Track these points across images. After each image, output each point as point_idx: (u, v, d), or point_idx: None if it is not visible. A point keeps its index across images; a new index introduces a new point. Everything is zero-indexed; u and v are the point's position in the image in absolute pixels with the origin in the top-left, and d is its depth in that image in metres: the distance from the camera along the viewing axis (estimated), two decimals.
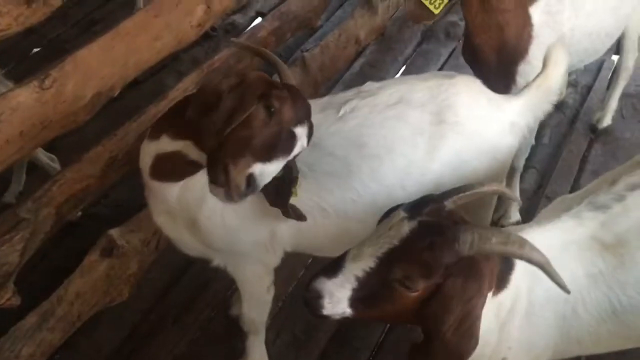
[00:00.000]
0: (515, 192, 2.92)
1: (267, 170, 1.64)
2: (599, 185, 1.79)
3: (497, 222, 2.97)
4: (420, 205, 1.39)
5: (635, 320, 1.64)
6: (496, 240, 1.29)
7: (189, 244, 2.07)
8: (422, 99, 2.04)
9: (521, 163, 2.81)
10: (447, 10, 4.06)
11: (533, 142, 2.76)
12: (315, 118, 1.91)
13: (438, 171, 2.04)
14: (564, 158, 3.24)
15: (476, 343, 1.36)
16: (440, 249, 1.31)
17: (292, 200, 1.83)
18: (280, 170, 1.77)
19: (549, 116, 3.47)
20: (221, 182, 1.60)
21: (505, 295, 1.49)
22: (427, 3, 2.17)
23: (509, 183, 2.87)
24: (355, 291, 1.36)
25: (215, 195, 1.64)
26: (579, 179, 3.14)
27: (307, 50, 3.67)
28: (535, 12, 2.37)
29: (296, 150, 1.71)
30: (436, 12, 2.19)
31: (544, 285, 1.54)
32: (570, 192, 3.06)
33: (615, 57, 3.48)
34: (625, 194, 1.69)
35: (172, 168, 1.83)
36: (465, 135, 2.04)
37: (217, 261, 2.13)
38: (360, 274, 1.36)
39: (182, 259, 2.26)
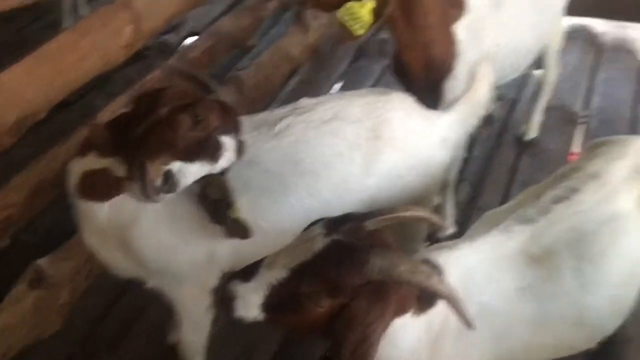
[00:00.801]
0: (449, 205, 3.00)
1: (187, 170, 1.63)
2: (526, 199, 1.85)
3: (433, 235, 3.03)
4: (339, 222, 1.40)
5: (564, 331, 1.69)
6: (404, 268, 1.30)
7: (122, 266, 2.01)
8: (358, 115, 2.08)
9: (454, 176, 2.89)
10: (378, 27, 4.15)
11: (464, 155, 2.85)
12: (250, 135, 1.92)
13: (374, 186, 2.07)
14: (495, 170, 3.35)
15: None
16: (349, 270, 1.32)
17: None
18: (216, 191, 1.77)
19: (479, 129, 3.62)
20: (136, 177, 1.58)
21: (436, 312, 1.51)
22: (351, 24, 2.21)
23: (443, 196, 2.95)
24: (268, 298, 1.37)
25: (131, 192, 1.62)
26: (510, 190, 3.24)
27: (241, 69, 3.68)
28: (459, 30, 2.46)
29: (223, 161, 1.71)
30: (359, 33, 2.23)
31: (476, 300, 1.58)
32: (502, 203, 3.15)
33: (537, 72, 3.64)
34: (550, 207, 1.75)
35: (101, 186, 1.79)
36: (401, 150, 2.08)
37: (152, 283, 2.08)
38: (273, 282, 1.37)
39: (117, 284, 2.20)
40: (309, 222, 1.99)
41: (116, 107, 2.59)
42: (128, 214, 1.87)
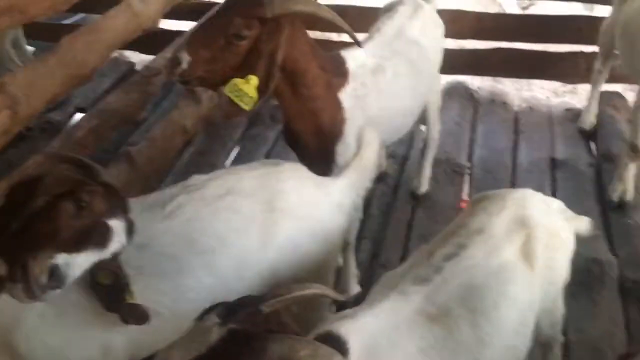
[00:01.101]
0: (352, 265, 3.03)
1: (75, 262, 1.55)
2: (419, 259, 1.90)
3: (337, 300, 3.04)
4: (234, 309, 1.36)
5: None
6: (304, 353, 1.28)
7: None
8: (252, 188, 2.07)
9: (353, 237, 2.93)
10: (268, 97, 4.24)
11: (361, 215, 2.91)
12: (141, 217, 1.85)
13: (273, 258, 2.05)
14: (392, 226, 3.44)
15: None
16: None
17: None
18: (109, 277, 1.68)
19: (375, 187, 3.74)
20: (18, 276, 1.48)
21: None
22: (237, 100, 2.24)
23: (345, 257, 2.98)
24: None
25: (14, 295, 1.51)
26: (408, 245, 3.33)
27: (133, 145, 3.59)
28: (344, 97, 2.56)
29: (114, 245, 1.65)
30: (247, 108, 2.26)
31: None
32: (402, 258, 3.24)
33: (424, 127, 3.83)
34: (442, 265, 1.81)
35: None
36: (297, 220, 2.09)
37: None
38: None
39: None
40: (210, 302, 1.94)
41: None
42: (9, 315, 1.73)
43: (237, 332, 1.31)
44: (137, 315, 1.77)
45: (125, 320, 1.76)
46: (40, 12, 2.74)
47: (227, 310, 1.36)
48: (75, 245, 1.56)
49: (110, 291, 1.73)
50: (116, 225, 1.65)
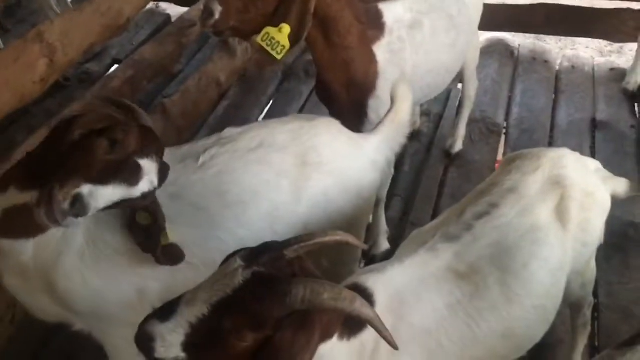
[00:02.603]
0: (382, 222, 3.03)
1: (99, 193, 1.58)
2: (450, 217, 1.88)
3: (368, 252, 3.06)
4: (258, 253, 1.38)
5: (495, 344, 1.72)
6: (327, 296, 1.30)
7: (46, 309, 1.92)
8: (284, 142, 2.06)
9: (384, 194, 2.92)
10: (304, 49, 4.19)
11: (393, 172, 2.89)
12: (175, 169, 1.87)
13: (306, 212, 2.05)
14: (424, 184, 3.41)
15: None
16: (271, 302, 1.30)
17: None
18: (147, 218, 1.73)
19: (408, 145, 3.69)
20: (44, 201, 1.52)
21: (367, 336, 1.51)
22: (269, 49, 2.22)
23: (375, 214, 2.98)
24: (189, 337, 1.34)
25: (37, 217, 1.55)
26: (439, 203, 3.31)
27: (167, 97, 3.62)
28: (379, 51, 2.51)
29: (144, 185, 1.67)
30: (279, 57, 2.24)
31: (407, 322, 1.60)
32: (433, 217, 3.22)
33: (461, 86, 3.75)
34: (473, 223, 1.79)
35: (23, 223, 1.70)
36: (330, 175, 2.07)
37: (80, 326, 1.99)
38: (193, 320, 1.33)
39: (43, 330, 2.09)
40: None
41: (34, 143, 2.48)
42: (52, 252, 1.79)
43: (261, 274, 1.34)
44: (171, 255, 1.81)
45: (160, 261, 1.80)
46: None
47: (251, 254, 1.38)
48: (103, 178, 1.58)
49: (147, 232, 1.77)
50: (148, 165, 1.66)
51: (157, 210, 1.77)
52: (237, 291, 1.32)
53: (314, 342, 1.35)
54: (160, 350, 1.34)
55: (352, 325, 1.49)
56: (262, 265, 1.35)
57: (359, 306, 1.33)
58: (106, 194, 1.59)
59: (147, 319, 1.36)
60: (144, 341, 1.35)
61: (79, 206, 1.54)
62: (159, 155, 1.72)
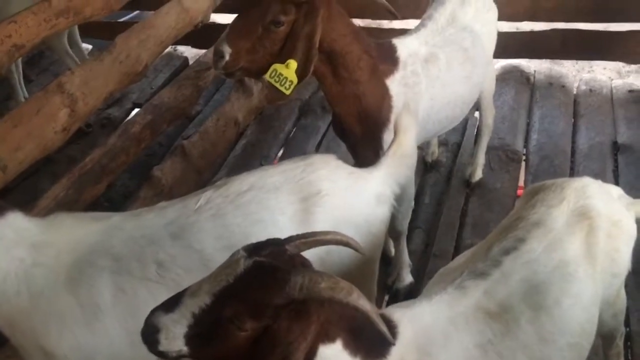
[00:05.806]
0: (404, 255, 2.99)
1: None
2: (477, 253, 1.84)
3: (392, 286, 3.02)
4: (261, 246, 1.41)
5: None
6: (325, 285, 1.32)
7: None
8: (276, 183, 2.03)
9: (405, 226, 2.88)
10: (319, 85, 4.23)
11: (413, 205, 2.86)
12: (175, 208, 1.94)
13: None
14: (445, 215, 3.38)
15: None
16: (270, 290, 1.32)
17: None
18: None
19: (427, 176, 3.68)
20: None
21: None
22: (277, 85, 2.25)
23: (397, 246, 2.95)
24: (191, 328, 1.35)
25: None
26: (461, 234, 3.27)
27: (186, 138, 3.67)
28: (393, 84, 2.52)
29: None
30: (287, 92, 2.27)
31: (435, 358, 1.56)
32: (455, 247, 3.18)
33: (477, 114, 3.74)
34: (500, 259, 1.74)
35: None
36: (332, 209, 2.01)
37: None
38: (196, 310, 1.35)
39: None
40: None
41: (56, 193, 2.53)
42: None
43: (262, 263, 1.37)
44: None
45: None
46: (95, 13, 2.83)
47: (254, 247, 1.42)
48: None
49: None
50: None
51: None
52: (238, 279, 1.35)
53: (309, 334, 1.36)
54: (164, 342, 1.36)
55: (371, 350, 1.48)
56: (264, 256, 1.38)
57: (356, 297, 1.35)
58: None
59: (153, 312, 1.39)
60: (150, 333, 1.37)
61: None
62: None
